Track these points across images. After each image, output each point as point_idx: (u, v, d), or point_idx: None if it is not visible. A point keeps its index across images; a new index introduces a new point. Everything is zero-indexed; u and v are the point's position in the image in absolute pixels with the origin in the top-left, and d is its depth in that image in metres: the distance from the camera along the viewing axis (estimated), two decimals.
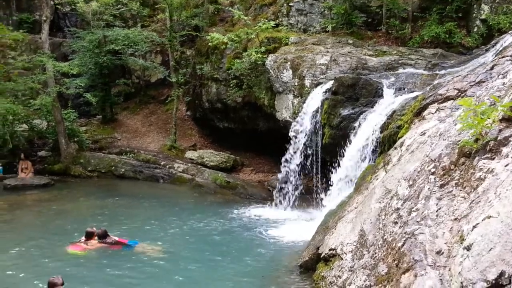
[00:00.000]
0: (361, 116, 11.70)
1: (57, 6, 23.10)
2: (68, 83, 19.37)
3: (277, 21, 17.48)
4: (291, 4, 17.67)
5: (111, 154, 18.83)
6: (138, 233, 11.55)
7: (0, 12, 22.93)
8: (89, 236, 10.39)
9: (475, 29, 15.05)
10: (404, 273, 5.00)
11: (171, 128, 19.54)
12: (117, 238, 10.61)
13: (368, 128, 11.17)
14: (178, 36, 20.05)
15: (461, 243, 4.74)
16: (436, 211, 5.51)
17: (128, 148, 19.28)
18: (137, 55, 22.11)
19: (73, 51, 21.29)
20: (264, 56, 15.51)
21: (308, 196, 14.12)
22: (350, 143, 11.48)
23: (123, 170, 17.97)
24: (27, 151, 18.19)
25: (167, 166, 17.76)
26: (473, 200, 5.18)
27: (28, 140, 19.07)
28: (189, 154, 18.62)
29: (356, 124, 11.63)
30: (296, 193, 13.72)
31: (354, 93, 12.31)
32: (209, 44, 17.35)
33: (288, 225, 12.30)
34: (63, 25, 24.54)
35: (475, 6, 15.08)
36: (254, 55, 15.46)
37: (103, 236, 10.43)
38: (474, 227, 4.63)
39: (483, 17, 14.80)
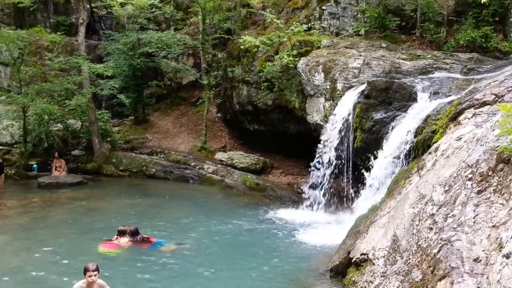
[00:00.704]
0: (394, 120, 11.56)
1: (93, 9, 23.64)
2: (102, 84, 19.73)
3: (309, 24, 17.43)
4: (323, 7, 17.60)
5: (143, 154, 19.09)
6: (166, 232, 11.71)
7: (38, 15, 23.60)
8: (121, 234, 10.63)
9: None
10: (440, 280, 4.92)
11: (202, 130, 19.72)
12: (145, 236, 10.83)
13: (401, 132, 11.02)
14: (210, 39, 20.23)
15: (500, 250, 4.64)
16: (474, 217, 5.41)
17: (159, 149, 19.54)
18: (170, 58, 22.41)
19: (108, 53, 21.76)
20: (296, 59, 15.50)
21: (338, 200, 14.04)
22: (382, 147, 11.36)
23: (153, 170, 18.22)
24: (61, 150, 18.55)
25: (197, 167, 17.91)
26: None
27: (63, 139, 19.52)
28: (219, 155, 18.75)
29: (389, 128, 11.49)
30: (326, 196, 13.64)
31: (387, 97, 12.16)
32: (241, 47, 17.45)
33: (318, 228, 12.24)
34: (98, 28, 25.05)
35: None
36: (285, 58, 15.46)
37: (135, 233, 10.66)
38: None
39: None
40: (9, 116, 18.20)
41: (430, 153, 8.64)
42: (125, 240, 10.60)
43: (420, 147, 9.94)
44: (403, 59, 14.15)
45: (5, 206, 14.10)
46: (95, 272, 7.06)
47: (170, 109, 23.06)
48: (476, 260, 4.84)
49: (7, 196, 15.29)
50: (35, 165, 18.29)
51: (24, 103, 17.50)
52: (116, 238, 10.63)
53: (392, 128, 11.52)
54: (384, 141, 11.49)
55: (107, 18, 24.74)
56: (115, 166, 18.52)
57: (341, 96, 13.71)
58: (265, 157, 18.55)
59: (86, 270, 7.07)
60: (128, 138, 20.63)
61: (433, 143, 9.04)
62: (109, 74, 18.66)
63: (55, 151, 18.20)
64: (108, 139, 19.32)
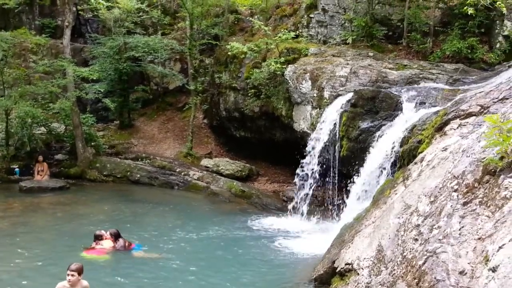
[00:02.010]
0: (381, 129, 11.58)
1: (79, 12, 23.40)
2: (87, 88, 19.52)
3: (297, 32, 17.47)
4: (311, 15, 17.66)
5: (127, 160, 18.86)
6: (149, 239, 11.55)
7: (23, 17, 23.30)
8: (98, 238, 10.43)
9: (498, 45, 14.88)
10: None
11: (188, 136, 19.58)
12: (127, 242, 10.71)
13: (387, 141, 11.04)
14: (197, 45, 20.15)
15: (486, 264, 4.60)
16: (459, 229, 5.37)
17: (144, 154, 19.33)
18: (157, 62, 22.27)
19: (94, 56, 21.52)
20: (283, 66, 15.49)
21: (323, 208, 14.00)
22: (368, 156, 11.35)
23: (138, 175, 18.00)
24: (44, 154, 18.25)
25: (182, 173, 17.75)
26: (498, 220, 5.04)
27: (46, 143, 19.24)
28: (205, 162, 18.62)
29: (376, 137, 11.50)
30: (311, 204, 13.59)
31: (374, 106, 12.20)
32: (228, 53, 17.39)
33: (302, 237, 12.18)
34: (84, 31, 24.78)
35: (498, 22, 14.91)
36: (273, 65, 15.44)
37: (117, 235, 10.57)
38: (500, 247, 4.50)
39: (506, 33, 14.63)
40: None
41: (415, 163, 8.64)
42: (109, 244, 10.43)
43: (406, 157, 9.94)
44: (389, 68, 14.22)
45: None
46: (73, 272, 6.89)
47: (156, 114, 22.88)
48: (462, 273, 4.79)
49: None
50: (17, 169, 17.95)
51: (7, 106, 17.18)
52: (97, 244, 10.44)
53: (378, 137, 11.53)
54: (370, 150, 11.49)
55: (93, 21, 24.47)
56: (99, 171, 18.27)
57: (328, 104, 13.72)
58: (251, 164, 18.47)
59: (67, 269, 6.95)
60: (113, 143, 20.38)
61: (419, 153, 9.05)
62: (94, 78, 18.47)
63: (38, 154, 17.91)
64: (93, 143, 19.06)
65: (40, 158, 17.60)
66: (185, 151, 19.21)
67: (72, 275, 6.88)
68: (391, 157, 10.71)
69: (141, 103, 23.17)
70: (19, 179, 17.21)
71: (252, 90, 16.96)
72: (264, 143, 18.04)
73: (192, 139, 19.43)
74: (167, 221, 13.36)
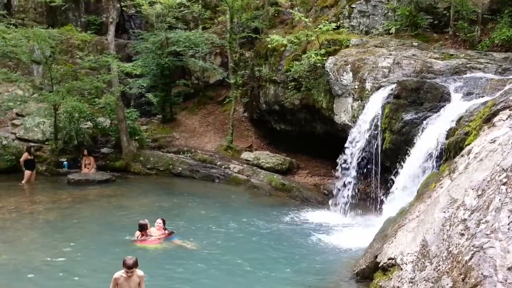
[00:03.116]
0: (425, 121, 11.23)
1: (123, 8, 23.94)
2: (131, 83, 19.98)
3: (338, 23, 17.16)
4: (353, 5, 17.30)
5: (169, 153, 19.21)
6: (189, 230, 11.73)
7: (69, 14, 24.06)
8: (143, 228, 10.65)
9: None
10: None
11: (228, 129, 19.71)
12: (169, 230, 11.00)
13: (432, 134, 10.70)
14: (237, 38, 20.21)
15: None
16: (508, 224, 5.16)
17: (186, 148, 19.62)
18: (197, 57, 22.51)
19: (137, 52, 22.03)
20: (323, 58, 15.27)
21: (365, 202, 13.78)
22: (412, 149, 11.05)
23: (180, 169, 18.30)
24: (90, 148, 18.87)
25: (223, 167, 17.90)
26: None
27: (92, 137, 19.85)
28: (245, 155, 18.70)
29: (420, 129, 11.17)
30: (353, 198, 13.39)
31: (418, 97, 11.83)
32: (268, 46, 17.33)
33: (344, 231, 12.03)
34: (128, 27, 25.37)
35: None
36: (313, 57, 15.26)
37: (164, 222, 10.94)
38: None
39: None
40: (40, 113, 18.56)
41: (462, 155, 8.32)
42: (158, 233, 10.71)
43: (452, 149, 9.60)
44: (435, 58, 13.76)
45: (35, 202, 14.40)
46: (131, 270, 7.00)
47: (197, 108, 23.17)
48: (510, 269, 4.60)
49: (37, 192, 15.62)
50: (65, 162, 18.60)
51: (55, 101, 17.80)
52: (145, 233, 10.66)
53: (422, 130, 11.19)
54: (414, 142, 11.18)
55: (137, 17, 25.02)
56: (143, 164, 18.70)
57: (369, 96, 13.43)
58: (291, 157, 18.41)
59: (123, 265, 7.05)
60: (156, 137, 20.83)
61: (466, 145, 8.71)
62: (137, 73, 18.89)
63: (85, 148, 18.50)
64: (136, 137, 19.52)
65: (85, 151, 18.17)
66: (225, 144, 19.36)
67: (132, 272, 7.02)
68: (436, 150, 10.37)
69: (183, 97, 23.52)
70: (67, 172, 17.85)
71: (292, 83, 16.85)
72: (304, 136, 17.91)
73: (233, 133, 19.55)
74: (207, 213, 13.52)
